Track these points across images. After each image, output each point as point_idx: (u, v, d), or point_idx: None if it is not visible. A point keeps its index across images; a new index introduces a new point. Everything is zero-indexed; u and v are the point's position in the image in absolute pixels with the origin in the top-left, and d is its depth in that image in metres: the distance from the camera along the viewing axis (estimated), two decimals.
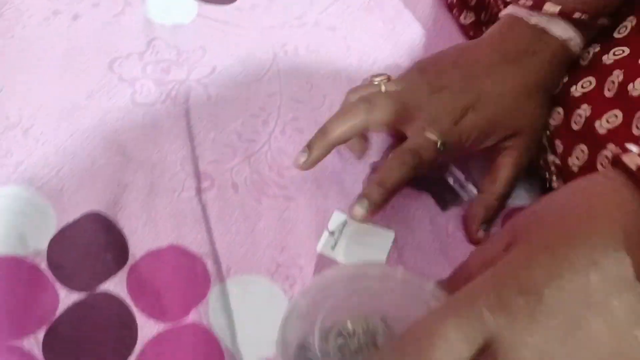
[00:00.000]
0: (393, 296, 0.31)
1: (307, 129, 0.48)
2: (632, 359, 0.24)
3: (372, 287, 0.31)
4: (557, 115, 0.42)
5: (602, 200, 0.27)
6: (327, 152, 0.41)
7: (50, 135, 0.45)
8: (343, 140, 0.41)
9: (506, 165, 0.42)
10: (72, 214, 0.41)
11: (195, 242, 0.41)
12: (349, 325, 0.30)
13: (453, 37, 0.57)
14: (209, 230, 0.42)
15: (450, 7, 0.58)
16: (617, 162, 0.27)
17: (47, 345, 0.35)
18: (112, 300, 0.37)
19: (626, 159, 0.27)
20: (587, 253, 0.24)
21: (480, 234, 0.42)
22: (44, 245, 0.40)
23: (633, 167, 0.26)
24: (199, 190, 0.44)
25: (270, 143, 0.47)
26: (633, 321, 0.24)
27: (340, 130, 0.40)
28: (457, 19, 0.57)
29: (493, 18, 0.53)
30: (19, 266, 0.38)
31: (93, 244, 0.40)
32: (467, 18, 0.56)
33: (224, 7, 0.57)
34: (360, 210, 0.38)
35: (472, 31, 0.55)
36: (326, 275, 0.31)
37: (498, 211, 0.43)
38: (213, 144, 0.47)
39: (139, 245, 0.40)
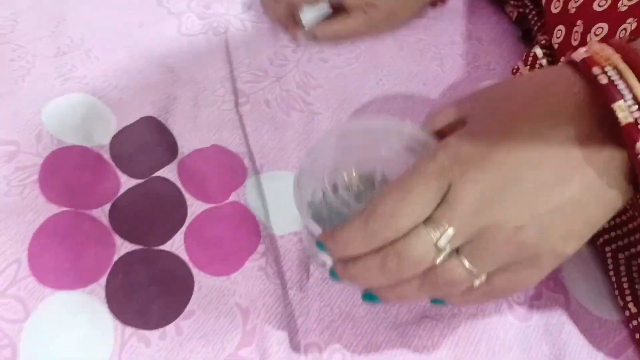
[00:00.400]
0: (394, 150, 0.37)
1: (330, 59, 0.55)
2: (554, 211, 0.30)
3: (374, 141, 0.37)
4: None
5: (548, 82, 0.32)
6: None
7: (108, 56, 0.52)
8: None
9: None
10: (130, 118, 0.48)
11: (233, 144, 0.48)
12: (353, 177, 0.36)
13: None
14: (245, 135, 0.48)
15: None
16: (568, 62, 0.32)
17: (112, 214, 0.42)
18: (165, 183, 0.44)
19: (574, 55, 0.32)
20: (531, 124, 0.31)
21: None
22: (106, 140, 0.47)
23: (578, 59, 0.31)
24: (236, 104, 0.50)
25: (298, 67, 0.54)
26: (558, 179, 0.30)
27: None
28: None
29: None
30: (86, 154, 0.45)
31: (148, 140, 0.47)
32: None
33: None
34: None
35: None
36: (329, 133, 0.38)
37: None
38: (248, 68, 0.53)
39: (186, 145, 0.47)
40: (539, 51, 0.50)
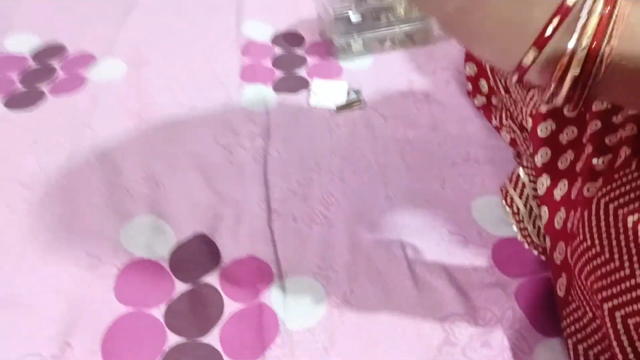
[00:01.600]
0: None
1: (349, 179, 0.65)
2: None
3: None
4: None
5: None
6: None
7: (171, 182, 0.66)
8: None
9: None
10: (185, 233, 0.60)
11: (264, 253, 0.58)
12: None
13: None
14: (274, 246, 0.59)
15: (467, 94, 0.75)
16: None
17: (168, 313, 0.53)
18: (209, 288, 0.55)
19: None
20: None
21: None
22: (165, 253, 0.59)
23: None
24: (269, 220, 0.62)
25: (320, 188, 0.65)
26: None
27: None
28: (472, 102, 0.74)
29: (497, 102, 0.70)
30: (149, 265, 0.57)
31: (198, 253, 0.58)
32: (479, 101, 0.72)
33: (295, 96, 0.77)
34: None
35: (482, 109, 0.71)
36: None
37: None
38: (281, 189, 0.65)
39: (228, 256, 0.58)
40: (522, 172, 0.58)
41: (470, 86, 0.75)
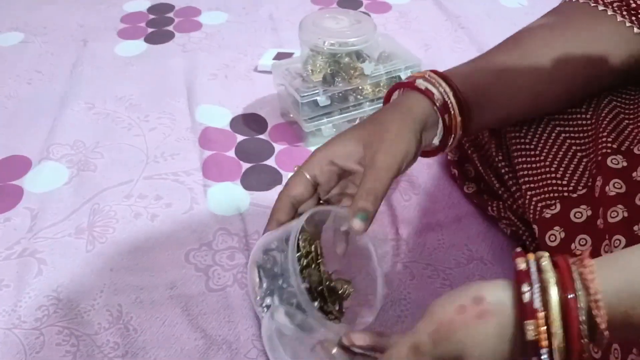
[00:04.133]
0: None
1: None
2: None
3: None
4: None
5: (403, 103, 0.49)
6: None
7: (145, 326, 0.54)
8: None
9: None
10: None
11: None
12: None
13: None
14: None
15: (453, 178, 0.69)
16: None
17: None
18: None
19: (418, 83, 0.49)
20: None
21: None
22: None
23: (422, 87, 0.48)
24: None
25: None
26: None
27: None
28: (460, 188, 0.67)
29: (488, 187, 0.64)
30: None
31: None
32: (469, 188, 0.66)
33: (268, 194, 0.68)
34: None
35: (475, 199, 0.65)
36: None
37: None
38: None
39: None
40: None
41: (455, 172, 0.69)
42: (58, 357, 0.52)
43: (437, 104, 0.49)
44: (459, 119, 0.50)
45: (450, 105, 0.49)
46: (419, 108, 0.49)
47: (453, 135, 0.51)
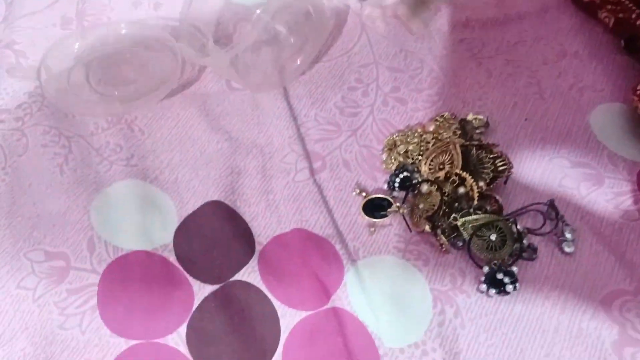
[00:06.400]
0: None
1: (409, 99, 0.44)
2: None
3: None
4: None
5: None
6: None
7: (154, 127, 0.42)
8: None
9: None
10: (192, 204, 0.38)
11: (318, 225, 0.38)
12: None
13: None
14: (329, 212, 0.38)
15: None
16: None
17: (190, 339, 0.33)
18: (248, 289, 0.35)
19: None
20: None
21: None
22: (169, 238, 0.37)
23: None
24: (312, 171, 0.40)
25: (374, 115, 0.43)
26: None
27: None
28: None
29: None
30: (150, 261, 0.36)
31: (218, 233, 0.37)
32: None
33: None
34: None
35: None
36: None
37: None
38: (316, 122, 0.43)
39: (263, 232, 0.37)
40: None
41: None
42: (46, 160, 0.40)
43: None
44: None
45: None
46: None
47: None
